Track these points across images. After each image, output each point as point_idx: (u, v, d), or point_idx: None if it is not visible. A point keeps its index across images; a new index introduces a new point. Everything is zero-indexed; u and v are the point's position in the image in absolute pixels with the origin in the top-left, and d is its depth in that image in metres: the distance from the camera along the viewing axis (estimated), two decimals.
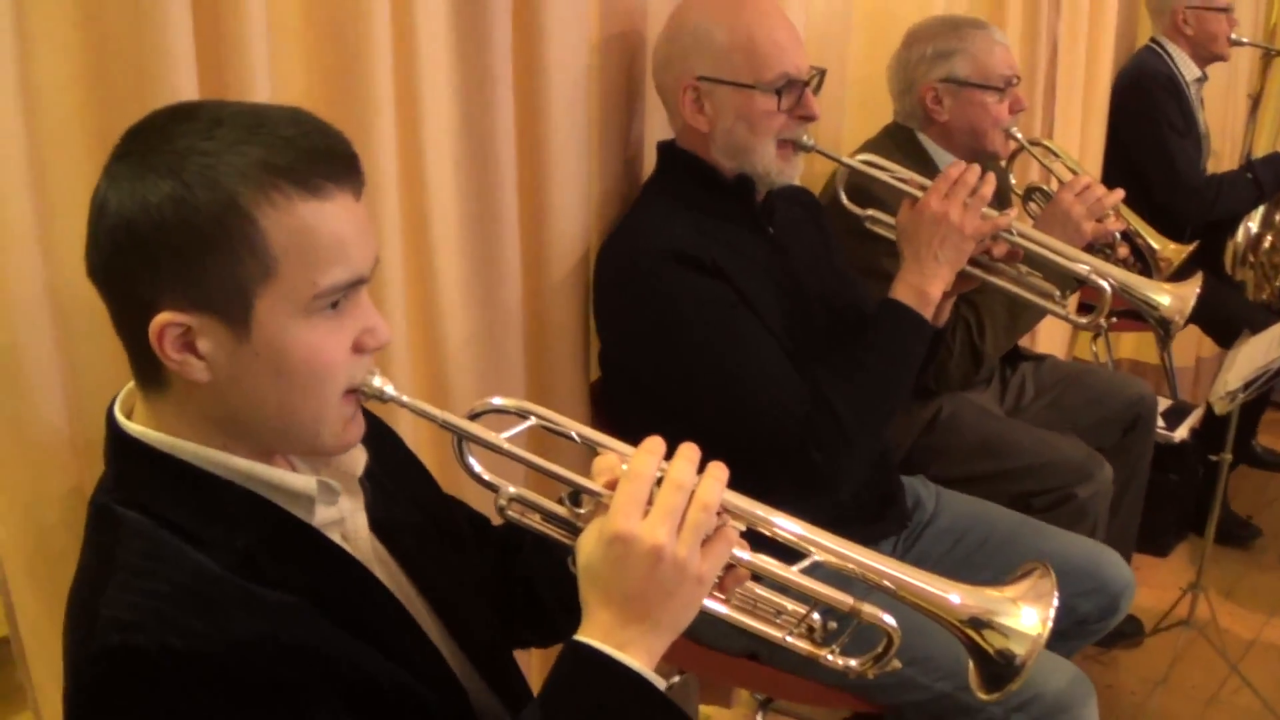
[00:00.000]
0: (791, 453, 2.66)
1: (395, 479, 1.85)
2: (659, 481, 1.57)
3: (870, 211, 3.03)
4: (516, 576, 2.05)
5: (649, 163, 3.08)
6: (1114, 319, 4.55)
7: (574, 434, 1.70)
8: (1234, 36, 5.30)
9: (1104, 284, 2.89)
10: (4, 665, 2.10)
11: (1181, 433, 4.74)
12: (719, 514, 1.61)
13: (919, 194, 2.86)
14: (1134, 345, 6.45)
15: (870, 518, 3.04)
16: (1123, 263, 3.58)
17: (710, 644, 2.91)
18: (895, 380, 2.80)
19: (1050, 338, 5.21)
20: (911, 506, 3.18)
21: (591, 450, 1.70)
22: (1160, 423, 4.41)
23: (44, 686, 2.02)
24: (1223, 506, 4.49)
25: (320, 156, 1.49)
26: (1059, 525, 3.29)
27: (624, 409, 2.96)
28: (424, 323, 2.59)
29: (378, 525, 1.76)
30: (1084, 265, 2.94)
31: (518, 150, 2.70)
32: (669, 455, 1.63)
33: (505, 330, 2.75)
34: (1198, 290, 3.06)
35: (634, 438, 2.81)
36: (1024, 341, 4.17)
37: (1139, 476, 4.17)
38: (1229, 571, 5.05)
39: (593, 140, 2.93)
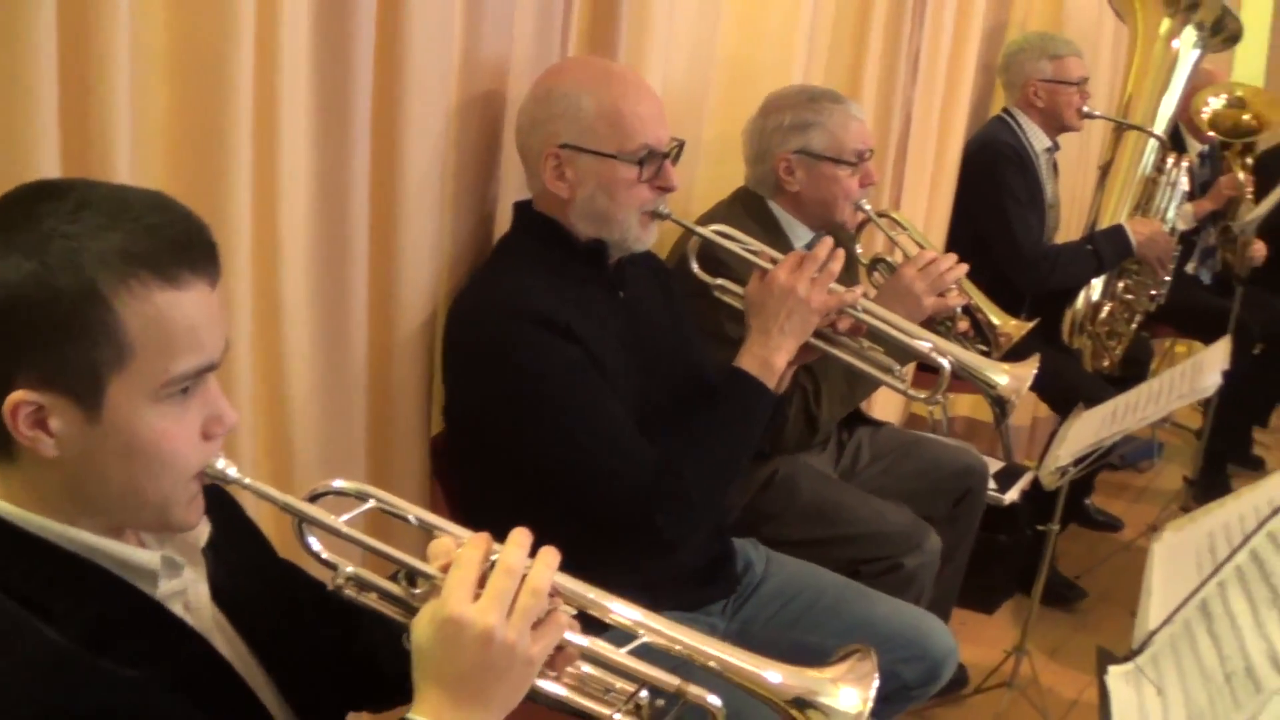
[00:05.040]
0: (636, 517, 2.73)
1: (235, 547, 1.87)
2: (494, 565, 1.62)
3: (720, 281, 3.09)
4: (356, 645, 2.07)
5: (502, 221, 3.13)
6: (950, 394, 4.65)
7: (412, 517, 1.75)
8: (1086, 109, 5.44)
9: (943, 362, 2.98)
10: None
11: (1012, 495, 4.81)
12: (551, 597, 1.66)
13: (769, 266, 2.94)
14: (970, 405, 6.57)
15: (702, 580, 3.10)
16: (963, 336, 3.69)
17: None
18: (739, 448, 2.90)
19: (887, 396, 5.30)
20: (742, 569, 3.23)
21: (429, 531, 1.75)
22: (992, 484, 4.49)
23: None
24: (1050, 568, 4.59)
25: (180, 246, 1.52)
26: (886, 592, 3.35)
27: (467, 464, 2.98)
28: (268, 371, 2.62)
29: (219, 595, 1.78)
30: (925, 342, 3.03)
31: (371, 205, 2.75)
32: (501, 539, 1.68)
33: (349, 383, 2.78)
34: (1034, 371, 3.15)
35: (477, 493, 2.88)
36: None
37: (965, 544, 4.28)
38: (1055, 632, 5.17)
39: (447, 198, 2.98)
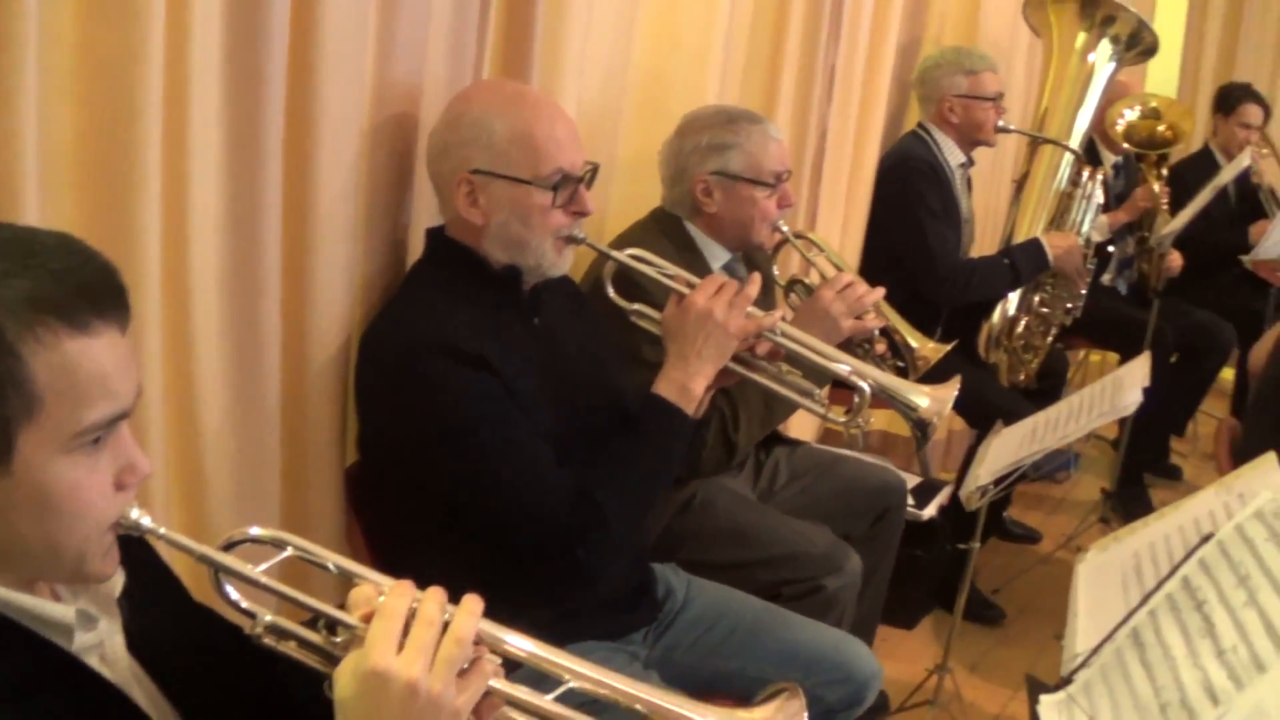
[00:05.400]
0: (555, 549, 2.71)
1: (151, 595, 1.85)
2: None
3: (636, 306, 3.08)
4: (275, 692, 2.03)
5: (415, 248, 3.11)
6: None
7: (331, 565, 1.73)
8: (1001, 124, 5.47)
9: (863, 385, 2.99)
10: None
11: (930, 511, 4.86)
12: (475, 645, 1.64)
13: (686, 290, 2.94)
14: (886, 419, 6.55)
15: (623, 608, 3.09)
16: (880, 359, 3.71)
17: None
18: (658, 476, 2.90)
19: (804, 414, 5.29)
20: (663, 596, 3.23)
21: (349, 579, 1.73)
22: (909, 500, 4.52)
23: None
24: (969, 583, 4.62)
25: (89, 291, 1.50)
26: (807, 614, 3.37)
27: (383, 496, 2.95)
28: (180, 408, 2.58)
29: (135, 645, 1.76)
30: (844, 365, 3.04)
31: (283, 232, 2.72)
32: (417, 570, 1.67)
33: (262, 415, 2.75)
34: (955, 392, 3.17)
35: (393, 524, 2.86)
36: None
37: (885, 564, 4.31)
38: (975, 646, 5.21)
39: (359, 224, 2.94)
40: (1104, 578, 2.51)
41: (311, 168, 2.75)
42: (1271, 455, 2.62)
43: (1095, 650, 2.08)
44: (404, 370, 2.73)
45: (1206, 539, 2.11)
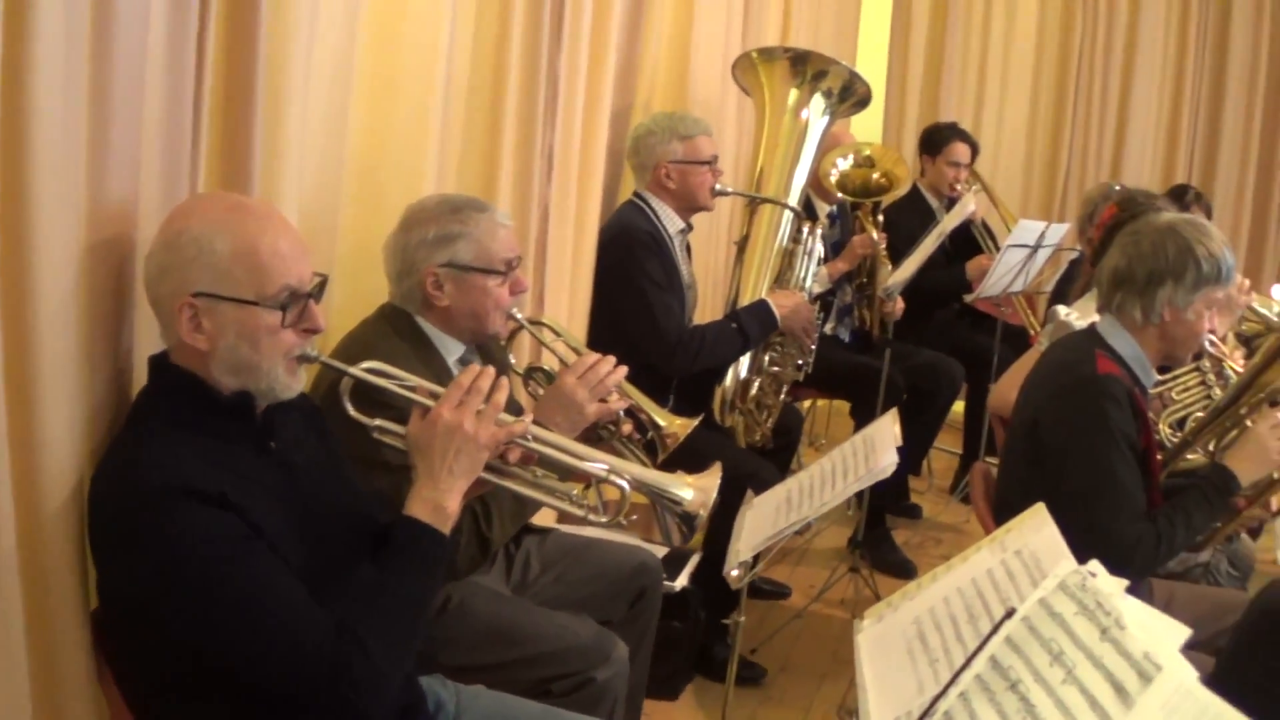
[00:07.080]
0: (320, 691, 2.59)
1: None
2: None
3: (378, 422, 2.98)
4: None
5: (140, 375, 2.97)
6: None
7: None
8: (718, 187, 5.55)
9: (622, 483, 2.96)
10: None
11: (681, 581, 4.87)
12: None
13: (430, 402, 2.87)
14: None
15: None
16: (627, 439, 3.70)
17: None
18: (419, 601, 2.79)
19: None
20: (433, 710, 3.15)
21: None
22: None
23: None
24: (727, 647, 4.64)
25: None
26: (579, 709, 3.38)
27: (129, 645, 2.78)
28: None
29: None
30: (600, 465, 2.99)
31: (4, 368, 2.57)
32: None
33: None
34: (719, 480, 3.17)
35: (143, 673, 2.73)
36: None
37: (646, 643, 4.33)
38: (741, 709, 5.27)
39: (83, 356, 2.79)
40: (887, 647, 2.52)
41: (30, 297, 2.59)
42: (1040, 506, 2.67)
43: None
44: (135, 518, 2.58)
45: (1009, 615, 2.12)
